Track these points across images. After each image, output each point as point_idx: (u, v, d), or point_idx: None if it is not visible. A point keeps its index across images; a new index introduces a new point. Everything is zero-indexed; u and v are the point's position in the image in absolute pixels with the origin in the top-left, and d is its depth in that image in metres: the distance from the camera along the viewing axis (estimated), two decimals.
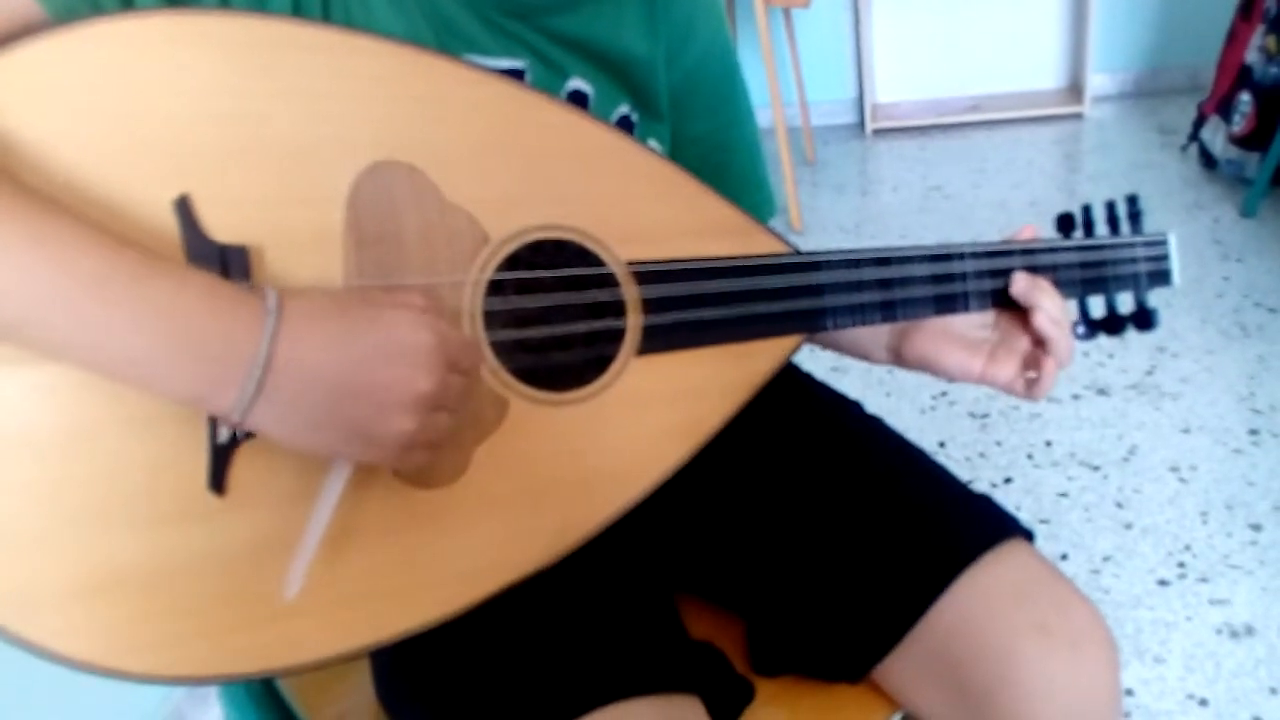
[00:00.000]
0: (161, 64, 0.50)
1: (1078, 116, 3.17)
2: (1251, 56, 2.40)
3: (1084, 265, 0.71)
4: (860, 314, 0.67)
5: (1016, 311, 0.69)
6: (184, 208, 0.50)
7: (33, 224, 0.45)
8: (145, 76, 0.50)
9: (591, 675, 0.61)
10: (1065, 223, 0.74)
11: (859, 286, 0.67)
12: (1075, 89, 3.23)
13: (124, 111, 0.50)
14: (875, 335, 0.75)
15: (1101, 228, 0.74)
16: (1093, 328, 0.73)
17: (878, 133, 3.34)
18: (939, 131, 3.26)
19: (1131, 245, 0.73)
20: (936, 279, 0.68)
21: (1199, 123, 2.63)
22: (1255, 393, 1.79)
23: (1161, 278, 0.75)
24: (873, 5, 3.25)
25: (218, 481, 0.51)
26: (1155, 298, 0.74)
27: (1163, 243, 0.74)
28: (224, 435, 0.51)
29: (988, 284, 0.69)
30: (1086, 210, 0.74)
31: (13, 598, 0.49)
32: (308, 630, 0.54)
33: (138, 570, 0.51)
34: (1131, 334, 0.73)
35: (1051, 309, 0.67)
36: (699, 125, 0.76)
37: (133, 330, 0.46)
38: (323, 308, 0.50)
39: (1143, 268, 0.74)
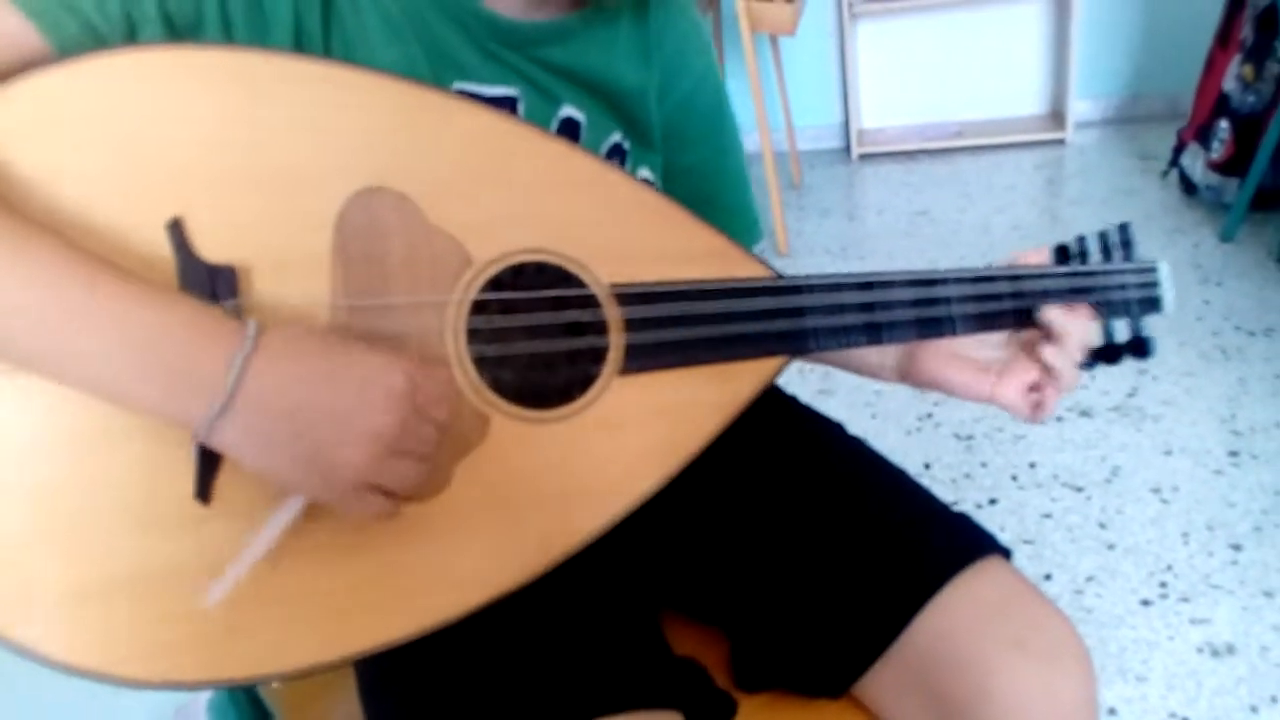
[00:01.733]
0: (163, 95, 0.52)
1: (1060, 142, 3.21)
2: (1229, 84, 2.45)
3: (1073, 292, 0.71)
4: (844, 336, 0.68)
5: (1029, 334, 0.70)
6: (176, 229, 0.52)
7: (24, 247, 0.48)
8: (146, 107, 0.52)
9: (574, 691, 0.61)
10: (1061, 254, 0.74)
11: (841, 309, 0.67)
12: (1058, 115, 3.28)
13: (123, 138, 0.52)
14: (883, 355, 0.76)
15: (1096, 258, 0.73)
16: (1092, 357, 0.73)
17: (863, 157, 3.38)
18: (924, 156, 3.30)
19: (1120, 273, 0.73)
20: (919, 303, 0.69)
21: (1179, 149, 2.67)
22: (1235, 414, 1.81)
23: (1152, 304, 0.74)
24: (858, 32, 3.30)
25: (204, 490, 0.52)
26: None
27: (1153, 270, 0.74)
28: None
29: (972, 308, 0.69)
30: (1081, 240, 0.74)
31: (5, 601, 0.50)
32: (291, 638, 0.55)
33: (129, 576, 0.52)
34: None
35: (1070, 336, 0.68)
36: (690, 156, 0.78)
37: (110, 346, 0.48)
38: (302, 343, 0.52)
39: (1133, 295, 0.73)
